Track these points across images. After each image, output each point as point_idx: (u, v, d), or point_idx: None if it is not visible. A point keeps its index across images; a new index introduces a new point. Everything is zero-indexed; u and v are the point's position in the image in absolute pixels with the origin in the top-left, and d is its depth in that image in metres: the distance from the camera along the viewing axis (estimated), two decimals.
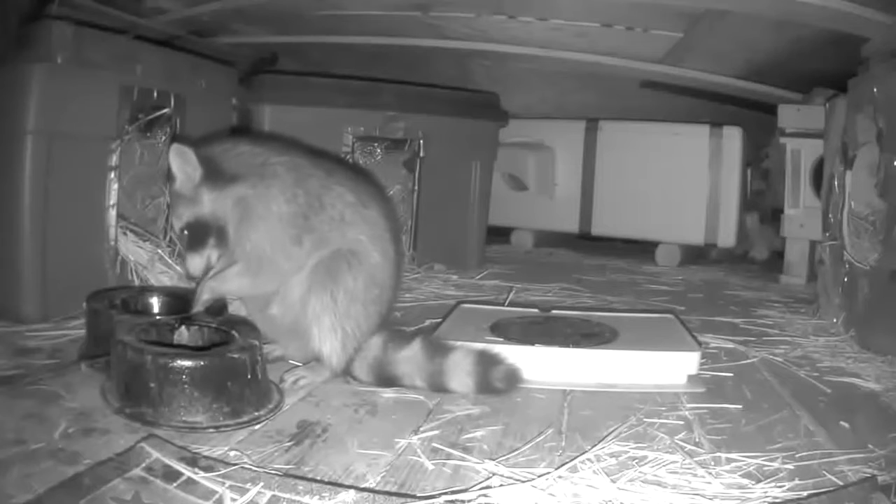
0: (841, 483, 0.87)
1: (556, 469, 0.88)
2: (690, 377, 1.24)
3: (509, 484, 0.83)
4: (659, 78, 2.76)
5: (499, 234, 2.90)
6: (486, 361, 1.16)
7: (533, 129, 2.86)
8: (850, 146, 1.72)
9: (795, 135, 2.36)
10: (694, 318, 1.73)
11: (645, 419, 1.07)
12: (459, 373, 1.15)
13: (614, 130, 2.80)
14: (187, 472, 0.80)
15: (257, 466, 0.85)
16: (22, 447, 0.86)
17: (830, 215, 1.81)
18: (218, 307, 1.18)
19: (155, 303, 1.30)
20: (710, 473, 0.89)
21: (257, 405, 1.03)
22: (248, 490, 0.77)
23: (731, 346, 1.52)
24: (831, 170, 1.86)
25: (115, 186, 1.53)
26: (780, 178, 2.48)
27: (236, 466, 0.82)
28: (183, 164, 1.13)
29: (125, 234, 1.57)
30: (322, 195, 1.17)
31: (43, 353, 1.23)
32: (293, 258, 1.16)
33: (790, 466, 0.92)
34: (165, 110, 1.62)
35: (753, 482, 0.87)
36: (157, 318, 1.22)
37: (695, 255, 2.79)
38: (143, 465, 0.80)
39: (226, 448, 0.91)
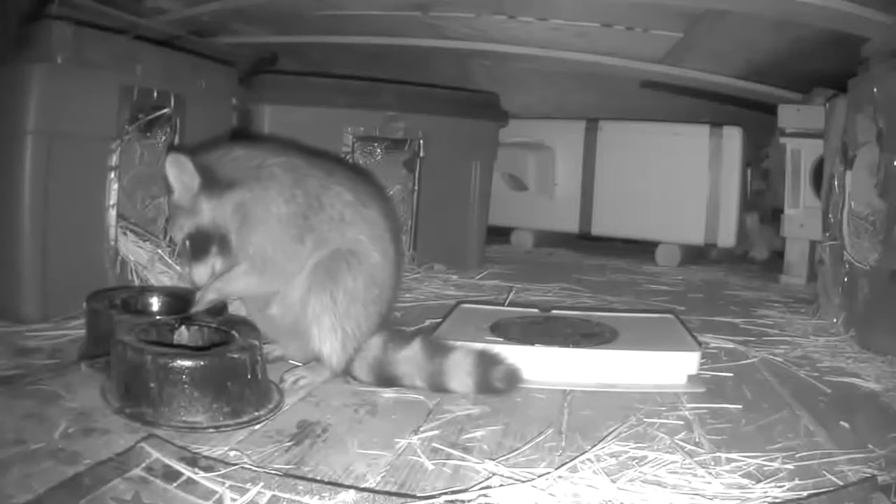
0: (841, 483, 0.87)
1: (556, 469, 0.88)
2: (690, 377, 1.24)
3: (509, 484, 0.83)
4: (659, 78, 2.76)
5: (499, 234, 2.90)
6: (486, 361, 1.16)
7: (533, 129, 2.86)
8: (850, 146, 1.72)
9: (795, 135, 2.36)
10: (694, 318, 1.73)
11: (645, 419, 1.07)
12: (459, 373, 1.15)
13: (614, 130, 2.80)
14: (187, 472, 0.80)
15: (257, 466, 0.85)
16: (22, 447, 0.86)
17: (830, 215, 1.81)
18: (218, 307, 1.18)
19: (155, 303, 1.30)
20: (710, 473, 0.89)
21: (257, 405, 1.03)
22: (248, 490, 0.77)
23: (731, 346, 1.52)
24: (831, 170, 1.86)
25: (115, 186, 1.53)
26: (780, 178, 2.48)
27: (236, 466, 0.82)
28: (180, 173, 1.12)
29: (125, 234, 1.57)
30: (321, 195, 1.17)
31: (43, 353, 1.23)
32: (296, 257, 1.16)
33: (790, 466, 0.92)
34: (165, 110, 1.62)
35: (753, 482, 0.87)
36: (157, 318, 1.21)
37: (695, 255, 2.79)
38: (143, 465, 0.80)
39: (226, 448, 0.91)
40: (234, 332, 1.10)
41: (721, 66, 2.63)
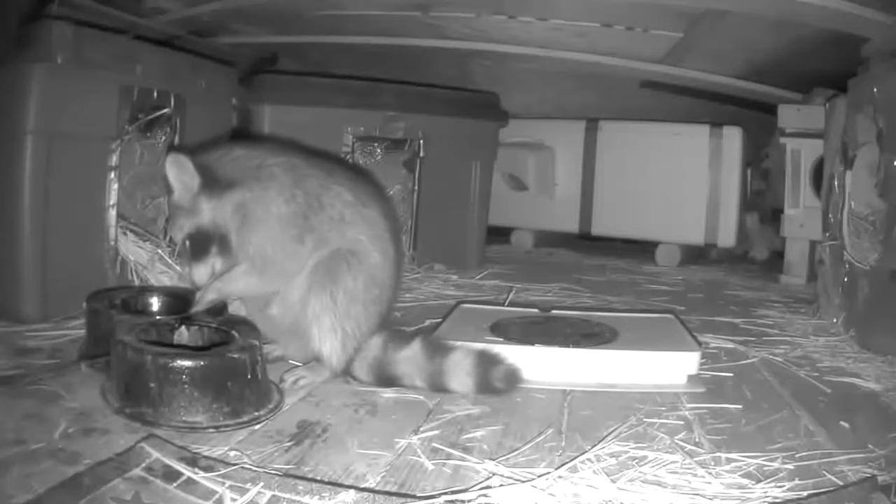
0: (841, 483, 0.87)
1: (556, 469, 0.88)
2: (690, 377, 1.24)
3: (509, 484, 0.83)
4: (659, 78, 2.76)
5: (499, 234, 2.90)
6: (486, 361, 1.16)
7: (533, 129, 2.86)
8: (850, 146, 1.72)
9: (795, 135, 2.36)
10: (694, 318, 1.73)
11: (645, 419, 1.07)
12: (459, 373, 1.15)
13: (614, 130, 2.80)
14: (187, 472, 0.80)
15: (257, 466, 0.85)
16: (22, 447, 0.86)
17: (830, 215, 1.81)
18: (218, 307, 1.18)
19: (155, 303, 1.30)
20: (710, 473, 0.89)
21: (257, 405, 1.03)
22: (248, 490, 0.77)
23: (731, 346, 1.52)
24: (831, 170, 1.86)
25: (115, 186, 1.53)
26: (780, 178, 2.48)
27: (236, 466, 0.82)
28: (180, 173, 1.12)
29: (125, 234, 1.57)
30: (321, 195, 1.17)
31: (43, 353, 1.23)
32: (296, 257, 1.16)
33: (790, 466, 0.92)
34: (165, 110, 1.62)
35: (753, 482, 0.87)
36: (157, 318, 1.21)
37: (695, 255, 2.79)
38: (143, 465, 0.80)
39: (226, 448, 0.91)
40: (234, 332, 1.10)
41: (721, 66, 2.63)
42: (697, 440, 1.00)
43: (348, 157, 2.01)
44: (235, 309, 1.25)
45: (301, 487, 0.78)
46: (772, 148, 2.66)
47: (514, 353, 1.19)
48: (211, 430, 0.96)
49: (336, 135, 2.00)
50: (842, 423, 1.10)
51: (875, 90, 1.56)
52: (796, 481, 0.88)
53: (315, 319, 1.16)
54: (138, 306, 1.27)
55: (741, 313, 1.86)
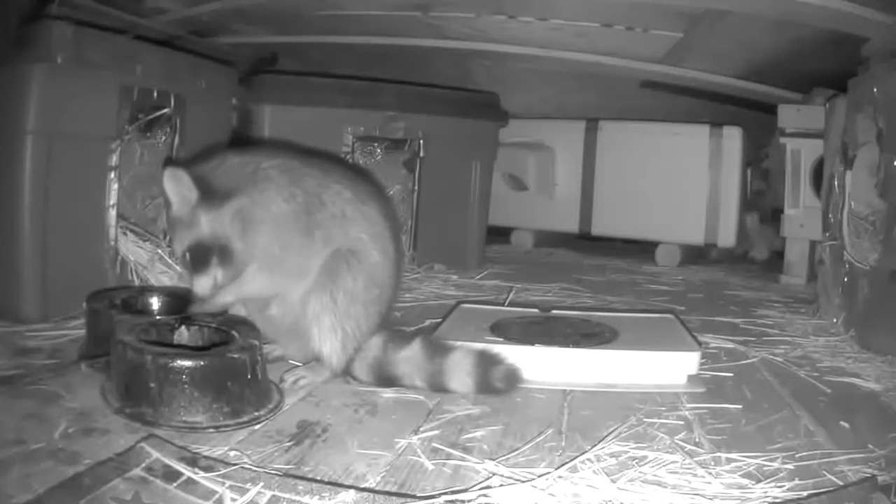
0: (841, 483, 0.87)
1: (556, 469, 0.88)
2: (690, 377, 1.24)
3: (509, 484, 0.83)
4: (659, 78, 2.76)
5: (499, 234, 2.90)
6: (486, 361, 1.16)
7: (533, 129, 2.86)
8: (850, 146, 1.72)
9: (795, 135, 2.36)
10: (694, 318, 1.73)
11: (645, 419, 1.07)
12: (459, 373, 1.15)
13: (614, 130, 2.80)
14: (187, 472, 0.80)
15: (257, 466, 0.85)
16: (22, 447, 0.86)
17: (830, 215, 1.81)
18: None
19: (155, 303, 1.30)
20: (710, 473, 0.89)
21: (257, 405, 1.03)
22: (248, 490, 0.77)
23: (731, 346, 1.52)
24: (831, 170, 1.86)
25: (115, 186, 1.53)
26: (780, 178, 2.48)
27: (236, 466, 0.82)
28: (178, 186, 1.11)
29: (125, 234, 1.57)
30: (321, 193, 1.17)
31: (43, 353, 1.23)
32: (306, 252, 1.15)
33: (790, 466, 0.92)
34: (165, 110, 1.62)
35: (753, 482, 0.87)
36: (157, 318, 1.21)
37: (695, 255, 2.79)
38: (143, 465, 0.80)
39: (226, 448, 0.91)
40: (234, 332, 1.10)
41: (721, 66, 2.63)
42: (697, 440, 1.00)
43: (348, 157, 2.01)
44: (235, 309, 1.24)
45: (301, 487, 0.78)
46: (772, 148, 2.66)
47: (514, 353, 1.19)
48: (211, 430, 0.96)
49: (336, 135, 2.00)
50: (842, 423, 1.10)
51: (875, 90, 1.56)
52: (796, 481, 0.88)
53: (315, 319, 1.16)
54: (138, 306, 1.27)
55: (741, 313, 1.87)
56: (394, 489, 0.82)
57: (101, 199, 1.51)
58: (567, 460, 0.91)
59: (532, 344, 1.26)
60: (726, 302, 2.03)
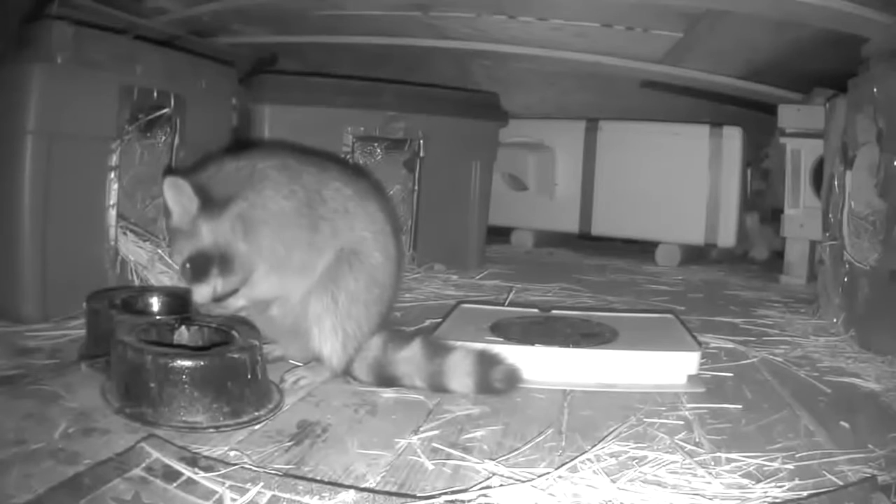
0: (841, 483, 0.87)
1: (556, 469, 0.88)
2: (690, 377, 1.24)
3: (509, 484, 0.83)
4: (659, 78, 2.76)
5: (499, 234, 2.90)
6: (486, 361, 1.16)
7: (533, 129, 2.86)
8: (850, 146, 1.72)
9: (795, 135, 2.36)
10: (694, 318, 1.73)
11: (645, 419, 1.07)
12: (459, 373, 1.15)
13: (614, 130, 2.80)
14: (187, 472, 0.80)
15: (257, 466, 0.85)
16: (22, 447, 0.86)
17: (830, 215, 1.81)
18: None
19: (155, 303, 1.30)
20: (710, 473, 0.89)
21: (257, 405, 1.03)
22: (248, 490, 0.77)
23: (731, 346, 1.52)
24: (831, 170, 1.86)
25: (115, 186, 1.53)
26: (780, 178, 2.48)
27: (236, 466, 0.82)
28: (179, 195, 1.10)
29: (125, 234, 1.57)
30: (321, 189, 1.17)
31: (43, 353, 1.23)
32: (313, 247, 1.15)
33: (790, 466, 0.92)
34: (165, 110, 1.62)
35: (753, 482, 0.87)
36: (157, 318, 1.21)
37: (695, 255, 2.79)
38: (143, 465, 0.80)
39: (226, 448, 0.91)
40: (234, 332, 1.10)
41: (721, 66, 2.63)
42: (697, 440, 1.00)
43: (348, 157, 2.01)
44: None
45: (301, 487, 0.78)
46: (772, 148, 2.66)
47: (514, 353, 1.19)
48: (211, 430, 0.96)
49: (336, 135, 2.00)
50: (842, 423, 1.10)
51: (875, 90, 1.56)
52: (796, 481, 0.88)
53: (316, 320, 1.16)
54: (138, 306, 1.27)
55: (741, 313, 1.86)
56: (394, 489, 0.82)
57: (101, 199, 1.51)
58: (567, 460, 0.91)
59: (532, 344, 1.26)
60: (726, 302, 2.03)
